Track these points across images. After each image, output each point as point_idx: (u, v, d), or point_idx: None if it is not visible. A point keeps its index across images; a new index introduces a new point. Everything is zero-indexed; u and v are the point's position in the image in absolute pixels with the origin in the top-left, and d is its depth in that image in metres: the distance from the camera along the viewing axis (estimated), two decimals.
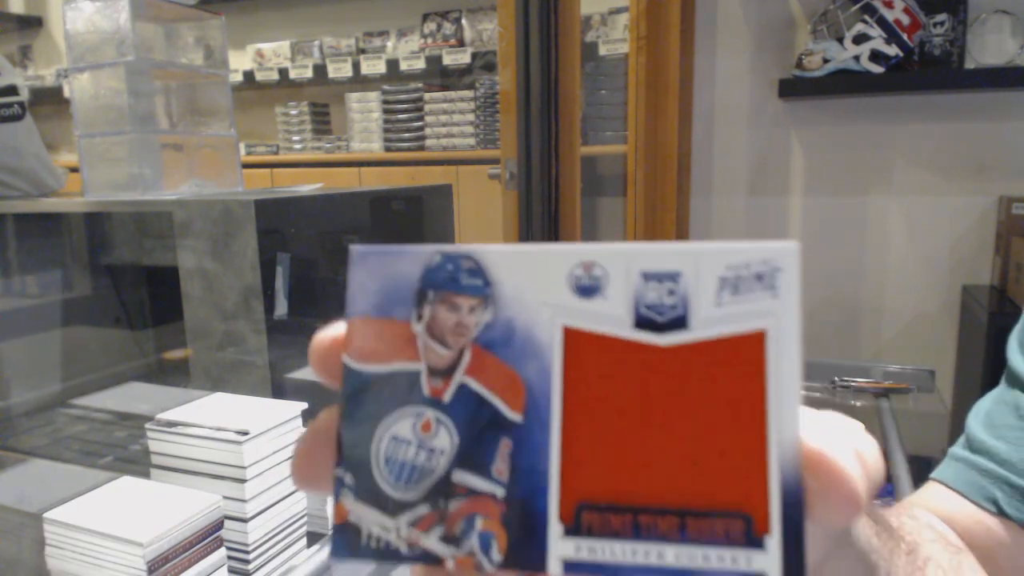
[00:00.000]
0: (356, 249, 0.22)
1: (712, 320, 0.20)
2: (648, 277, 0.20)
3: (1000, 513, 0.45)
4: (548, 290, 0.21)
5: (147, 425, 0.71)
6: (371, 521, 0.20)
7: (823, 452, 0.18)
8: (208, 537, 0.63)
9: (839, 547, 0.24)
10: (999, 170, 1.96)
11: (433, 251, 0.22)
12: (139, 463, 0.75)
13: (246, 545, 0.68)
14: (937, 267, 2.05)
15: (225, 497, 0.66)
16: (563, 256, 0.21)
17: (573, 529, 0.20)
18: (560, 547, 0.19)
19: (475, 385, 0.21)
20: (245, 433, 0.68)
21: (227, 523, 0.66)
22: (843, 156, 2.09)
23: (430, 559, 0.20)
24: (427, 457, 0.21)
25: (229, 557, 0.66)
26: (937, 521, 0.45)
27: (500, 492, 0.20)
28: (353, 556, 0.20)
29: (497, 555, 0.20)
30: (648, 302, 0.20)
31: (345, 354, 0.21)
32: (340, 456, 0.21)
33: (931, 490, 0.49)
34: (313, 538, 0.76)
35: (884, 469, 0.20)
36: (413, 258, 0.22)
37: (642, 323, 0.20)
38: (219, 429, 0.69)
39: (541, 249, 0.21)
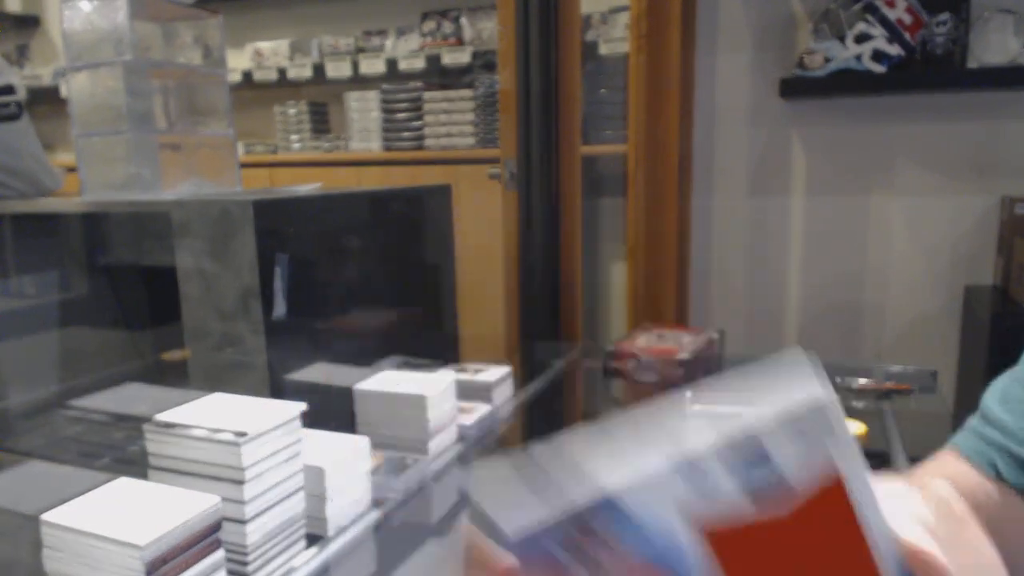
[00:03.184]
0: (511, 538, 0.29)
1: (799, 476, 0.25)
2: (739, 465, 0.25)
3: (998, 477, 0.51)
4: (672, 499, 0.26)
5: (145, 426, 0.71)
6: None
7: (922, 551, 0.24)
8: (206, 539, 0.63)
9: None
10: (1001, 170, 1.95)
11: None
12: (137, 464, 0.75)
13: (244, 547, 0.67)
14: (939, 267, 2.05)
15: (223, 499, 0.65)
16: (673, 467, 0.26)
17: None
18: None
19: None
20: (243, 434, 0.67)
21: (225, 524, 0.66)
22: (845, 156, 2.09)
23: None
24: None
25: (227, 559, 0.66)
26: (947, 486, 0.51)
27: None
28: None
29: None
30: (750, 479, 0.25)
31: None
32: None
33: (945, 456, 0.56)
34: (312, 540, 0.75)
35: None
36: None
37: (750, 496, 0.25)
38: (217, 430, 0.68)
39: (657, 471, 0.26)
